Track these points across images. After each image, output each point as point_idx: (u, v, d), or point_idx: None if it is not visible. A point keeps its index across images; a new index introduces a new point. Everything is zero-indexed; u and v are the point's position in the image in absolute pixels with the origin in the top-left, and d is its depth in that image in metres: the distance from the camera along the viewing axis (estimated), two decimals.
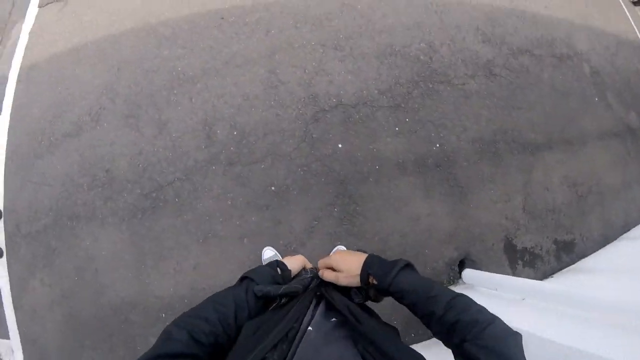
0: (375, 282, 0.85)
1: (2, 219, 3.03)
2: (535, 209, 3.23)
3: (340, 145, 2.81)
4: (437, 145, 2.99)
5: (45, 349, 2.73)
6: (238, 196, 2.69)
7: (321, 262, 0.99)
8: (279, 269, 0.96)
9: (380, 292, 0.87)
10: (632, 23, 5.76)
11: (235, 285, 0.89)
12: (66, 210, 2.86)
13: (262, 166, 2.73)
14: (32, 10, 3.84)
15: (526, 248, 3.05)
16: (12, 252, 2.94)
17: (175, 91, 2.98)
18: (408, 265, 0.86)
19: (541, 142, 3.50)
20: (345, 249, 2.64)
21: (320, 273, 0.95)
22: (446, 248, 2.77)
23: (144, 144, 2.84)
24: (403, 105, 2.92)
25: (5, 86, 3.40)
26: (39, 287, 2.78)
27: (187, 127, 2.84)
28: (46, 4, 3.80)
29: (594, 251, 3.35)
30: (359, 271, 0.86)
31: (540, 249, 3.11)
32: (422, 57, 3.05)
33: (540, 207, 3.26)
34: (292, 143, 2.78)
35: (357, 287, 0.90)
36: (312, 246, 2.64)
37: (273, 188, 2.71)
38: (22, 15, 3.84)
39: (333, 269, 0.93)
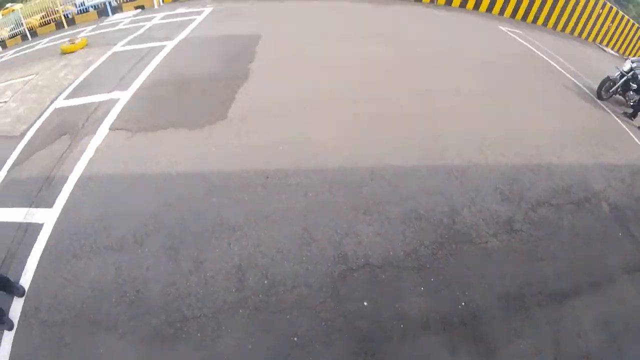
0: None
1: (24, 297, 3.16)
2: (568, 358, 3.16)
3: (365, 303, 3.02)
4: (463, 303, 3.13)
5: None
6: (260, 341, 2.84)
7: None
8: None
9: None
10: None
11: None
12: (89, 313, 2.99)
13: (288, 316, 2.93)
14: (103, 129, 4.59)
15: None
16: (23, 331, 3.01)
17: (216, 235, 3.40)
18: None
19: (568, 290, 3.55)
20: None
21: None
22: None
23: (179, 276, 3.12)
24: (428, 266, 3.17)
25: (63, 186, 3.90)
26: None
27: (221, 269, 3.15)
28: (116, 129, 4.53)
29: None
30: None
31: None
32: (445, 220, 3.39)
33: (573, 356, 3.19)
34: (318, 297, 3.01)
35: None
36: None
37: (296, 339, 2.85)
38: (94, 131, 4.59)
39: None
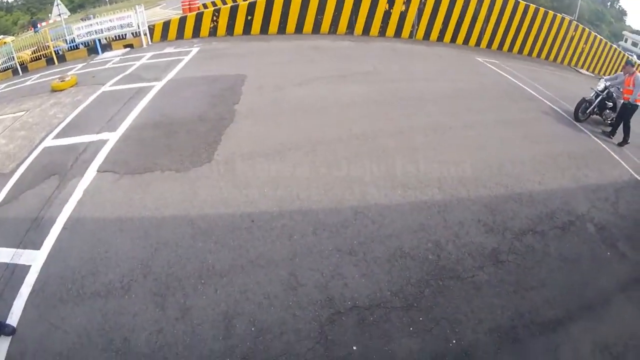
0: None
1: (10, 340, 3.10)
2: None
3: (354, 348, 3.00)
4: (454, 341, 3.13)
5: None
6: None
7: None
8: None
9: None
10: (625, 165, 6.25)
11: None
12: None
13: None
14: (91, 171, 4.67)
15: None
16: None
17: (202, 280, 3.42)
18: None
19: (561, 316, 3.54)
20: None
21: None
22: None
23: (165, 324, 3.10)
24: (416, 305, 3.19)
25: (51, 227, 3.94)
26: None
27: (208, 316, 3.14)
28: (104, 171, 4.62)
29: None
30: None
31: None
32: (430, 257, 3.45)
33: None
34: (307, 343, 2.99)
35: None
36: None
37: None
38: (82, 173, 4.66)
39: None
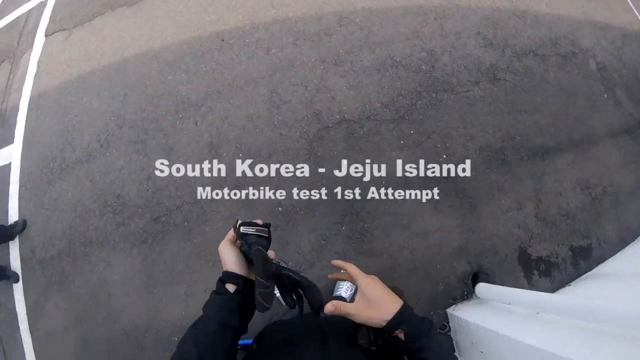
0: (402, 336, 0.81)
1: (19, 245, 3.33)
2: (549, 215, 3.31)
3: (345, 162, 2.93)
4: (444, 156, 3.10)
5: None
6: (245, 218, 2.79)
7: (349, 271, 0.91)
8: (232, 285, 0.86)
9: (398, 347, 0.83)
10: (637, 13, 5.90)
11: (194, 325, 0.84)
12: (79, 235, 3.11)
13: (268, 187, 2.87)
14: (39, 39, 4.20)
15: (541, 257, 3.12)
16: (28, 277, 3.20)
17: (180, 115, 3.20)
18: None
19: (550, 146, 3.59)
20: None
21: (332, 306, 0.81)
22: (458, 262, 2.86)
23: (152, 169, 3.05)
24: (407, 118, 3.04)
25: (17, 115, 3.74)
26: (54, 311, 3.01)
27: (193, 151, 3.05)
28: (52, 33, 4.13)
29: (612, 255, 3.40)
30: (389, 316, 0.80)
31: (556, 257, 3.18)
32: (423, 67, 3.19)
33: (553, 214, 3.34)
34: (296, 162, 2.91)
35: (369, 328, 0.84)
36: (320, 266, 2.75)
37: (280, 209, 2.85)
38: (30, 45, 4.21)
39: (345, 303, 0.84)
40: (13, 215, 3.41)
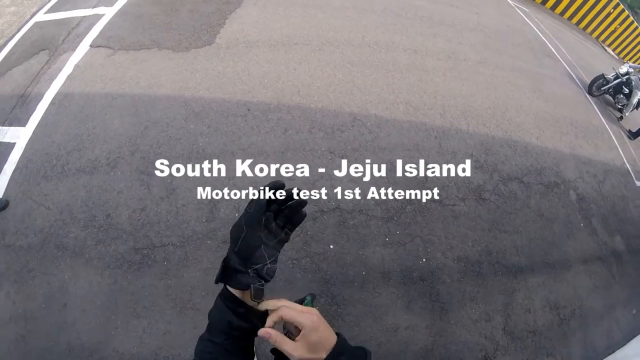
0: None
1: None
2: (516, 330, 3.75)
3: (331, 246, 3.43)
4: (424, 259, 3.63)
5: None
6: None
7: (286, 313, 0.84)
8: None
9: None
10: (620, 151, 6.93)
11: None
12: (56, 237, 3.23)
13: None
14: (84, 46, 4.64)
15: None
16: None
17: (191, 163, 3.53)
18: None
19: (524, 265, 4.15)
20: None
21: (270, 334, 0.82)
22: None
23: (149, 202, 3.38)
24: (395, 219, 3.63)
25: (39, 103, 4.03)
26: (2, 299, 3.06)
27: (193, 198, 3.41)
28: (97, 46, 4.60)
29: None
30: (327, 352, 0.82)
31: None
32: (418, 177, 3.86)
33: (520, 329, 3.78)
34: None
35: None
36: None
37: None
38: (73, 47, 4.63)
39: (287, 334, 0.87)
40: None
